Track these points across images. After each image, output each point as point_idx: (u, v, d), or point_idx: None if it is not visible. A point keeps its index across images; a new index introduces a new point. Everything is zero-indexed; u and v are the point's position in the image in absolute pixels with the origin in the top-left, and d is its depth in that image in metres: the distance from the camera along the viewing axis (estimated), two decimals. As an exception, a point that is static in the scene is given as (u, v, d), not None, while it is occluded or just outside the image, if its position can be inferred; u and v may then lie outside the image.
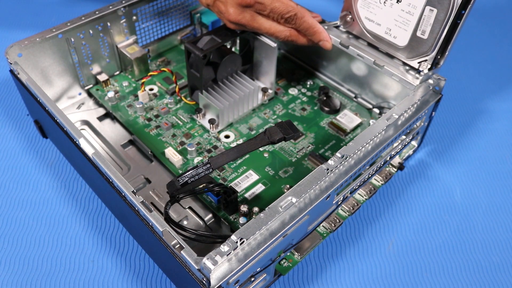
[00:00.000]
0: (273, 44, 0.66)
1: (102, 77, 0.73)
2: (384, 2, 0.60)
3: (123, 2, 0.70)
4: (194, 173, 0.51)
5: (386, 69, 0.62)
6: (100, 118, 0.70)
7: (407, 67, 0.61)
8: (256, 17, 0.61)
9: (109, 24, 0.70)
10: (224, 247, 0.41)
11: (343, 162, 0.49)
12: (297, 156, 0.63)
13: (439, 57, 0.59)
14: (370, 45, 0.65)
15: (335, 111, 0.69)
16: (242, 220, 0.54)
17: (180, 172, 0.60)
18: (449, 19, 0.55)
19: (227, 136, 0.66)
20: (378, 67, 0.63)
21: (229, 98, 0.65)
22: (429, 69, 0.59)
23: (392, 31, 0.60)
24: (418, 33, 0.58)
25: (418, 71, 0.60)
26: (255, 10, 0.60)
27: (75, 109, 0.71)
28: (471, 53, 0.90)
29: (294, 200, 0.45)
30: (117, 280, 0.54)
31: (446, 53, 0.58)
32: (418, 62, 0.60)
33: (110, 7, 0.70)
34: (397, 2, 0.59)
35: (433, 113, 0.63)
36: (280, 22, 0.62)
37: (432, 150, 0.70)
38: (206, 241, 0.51)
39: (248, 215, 0.55)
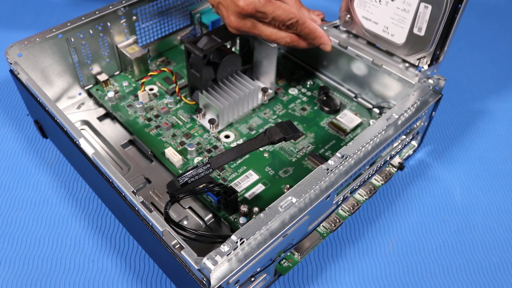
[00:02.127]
0: (273, 44, 0.66)
1: (102, 77, 0.73)
2: (380, 1, 0.60)
3: (123, 2, 0.70)
4: (194, 173, 0.51)
5: (385, 68, 0.62)
6: (100, 118, 0.70)
7: (407, 64, 0.61)
8: (257, 25, 0.61)
9: (109, 24, 0.70)
10: (224, 247, 0.41)
11: (343, 162, 0.49)
12: (297, 156, 0.63)
13: (438, 52, 0.59)
14: (369, 43, 0.65)
15: (335, 111, 0.69)
16: (242, 220, 0.54)
17: (180, 172, 0.60)
18: (445, 14, 0.55)
19: (227, 136, 0.66)
20: (377, 67, 0.63)
21: (229, 98, 0.66)
22: (429, 65, 0.59)
23: (390, 29, 0.60)
24: (415, 30, 0.58)
25: (417, 67, 0.60)
26: (257, 19, 0.60)
27: (75, 109, 0.71)
28: (471, 53, 0.90)
29: (294, 200, 0.45)
30: (117, 280, 0.54)
31: (445, 48, 0.58)
32: (417, 59, 0.60)
33: (110, 7, 0.70)
34: (392, 0, 0.59)
35: (433, 113, 0.63)
36: (281, 28, 0.62)
37: (432, 150, 0.70)
38: (206, 241, 0.51)
39: (248, 215, 0.55)
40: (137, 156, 0.65)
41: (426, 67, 0.59)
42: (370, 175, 0.57)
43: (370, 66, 0.65)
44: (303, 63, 0.78)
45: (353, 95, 0.72)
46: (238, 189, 0.59)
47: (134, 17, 0.73)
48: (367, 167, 0.55)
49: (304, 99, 0.72)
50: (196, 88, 0.68)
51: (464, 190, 0.65)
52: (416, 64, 0.60)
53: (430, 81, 0.60)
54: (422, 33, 0.57)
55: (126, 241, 0.58)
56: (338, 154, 0.49)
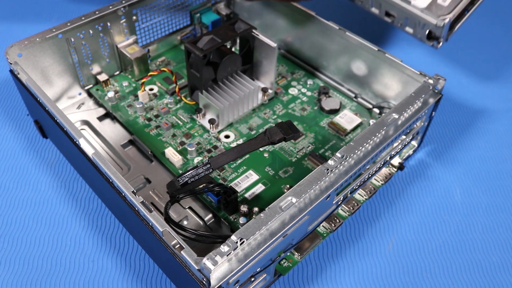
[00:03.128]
0: (273, 44, 0.66)
1: (102, 77, 0.73)
2: None
3: (123, 2, 0.70)
4: (194, 173, 0.51)
5: (413, 4, 0.61)
6: (100, 118, 0.70)
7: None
8: None
9: (109, 24, 0.70)
10: (224, 247, 0.41)
11: (343, 162, 0.49)
12: (297, 156, 0.63)
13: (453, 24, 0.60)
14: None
15: (335, 111, 0.69)
16: (242, 220, 0.54)
17: (180, 172, 0.60)
18: None
19: (227, 136, 0.66)
20: (403, 3, 0.62)
21: (229, 98, 0.66)
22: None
23: None
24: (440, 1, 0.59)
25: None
26: None
27: (75, 109, 0.71)
28: (471, 53, 0.90)
29: (294, 200, 0.45)
30: (117, 280, 0.54)
31: (455, 30, 0.58)
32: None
33: (110, 7, 0.69)
34: None
35: (433, 113, 0.63)
36: None
37: (432, 150, 0.70)
38: (206, 241, 0.51)
39: (248, 215, 0.55)
40: (137, 156, 0.65)
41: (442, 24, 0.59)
42: (370, 175, 0.57)
43: (371, 65, 0.65)
44: (303, 63, 0.77)
45: (353, 95, 0.72)
46: (238, 189, 0.59)
47: (134, 17, 0.73)
48: (367, 167, 0.55)
49: (304, 99, 0.72)
50: (196, 88, 0.68)
51: (464, 190, 0.65)
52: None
53: (430, 81, 0.60)
54: (445, 3, 0.57)
55: (126, 241, 0.58)
56: (338, 154, 0.49)
